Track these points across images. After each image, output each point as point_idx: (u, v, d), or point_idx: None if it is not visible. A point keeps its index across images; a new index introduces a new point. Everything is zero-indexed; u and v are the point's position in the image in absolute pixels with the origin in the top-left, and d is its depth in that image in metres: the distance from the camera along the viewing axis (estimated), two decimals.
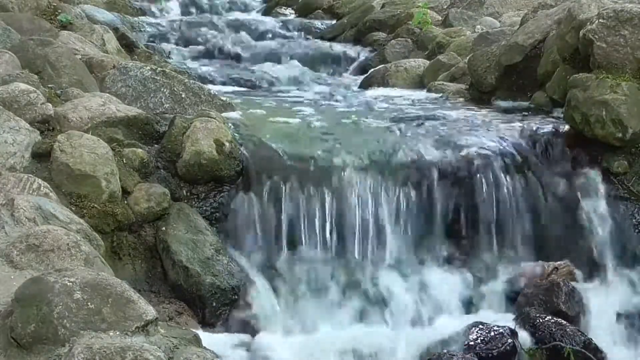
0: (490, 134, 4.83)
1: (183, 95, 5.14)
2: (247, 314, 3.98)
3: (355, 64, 8.43)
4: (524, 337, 3.90)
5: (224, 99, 5.30)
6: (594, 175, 4.66)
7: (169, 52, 8.23)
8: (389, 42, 8.32)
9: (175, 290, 4.00)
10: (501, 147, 4.68)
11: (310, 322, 4.07)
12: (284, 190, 4.32)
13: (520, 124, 4.96)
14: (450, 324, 4.07)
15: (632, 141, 4.62)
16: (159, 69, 5.36)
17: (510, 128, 4.90)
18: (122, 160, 4.19)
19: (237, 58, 8.45)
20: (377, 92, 6.53)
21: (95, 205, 3.96)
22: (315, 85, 7.50)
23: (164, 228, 4.09)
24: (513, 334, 3.86)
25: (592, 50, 4.79)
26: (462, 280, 4.38)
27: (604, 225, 4.55)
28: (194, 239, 4.07)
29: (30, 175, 3.81)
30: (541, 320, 3.97)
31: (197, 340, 2.99)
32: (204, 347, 2.98)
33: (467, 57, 6.28)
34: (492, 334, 3.82)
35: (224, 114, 4.86)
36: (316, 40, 9.30)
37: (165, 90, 5.13)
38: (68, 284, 2.69)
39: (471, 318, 4.10)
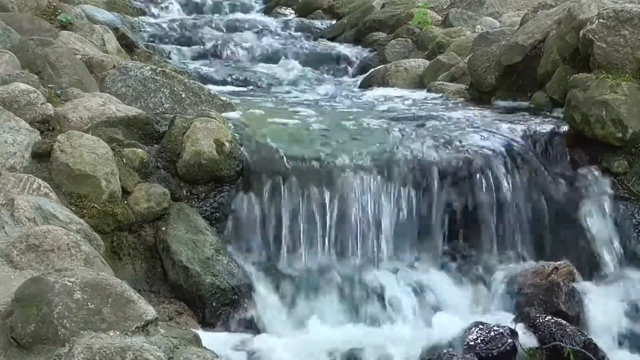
0: (490, 134, 4.83)
1: (183, 95, 5.14)
2: (247, 314, 3.98)
3: (355, 64, 8.43)
4: (524, 337, 3.90)
5: (224, 99, 5.30)
6: (594, 175, 4.66)
7: (169, 52, 8.23)
8: (389, 42, 8.32)
9: (175, 290, 4.00)
10: (501, 147, 4.68)
11: (310, 322, 4.06)
12: (284, 190, 4.32)
13: (520, 124, 4.96)
14: (450, 324, 4.06)
15: (632, 141, 4.62)
16: (159, 69, 5.36)
17: (510, 128, 4.90)
18: (122, 160, 4.19)
19: (237, 58, 8.45)
20: (377, 92, 6.53)
21: (95, 205, 3.96)
22: (315, 85, 7.50)
23: (164, 228, 4.09)
24: (513, 334, 3.86)
25: (592, 50, 4.79)
26: (462, 280, 4.38)
27: (604, 225, 4.55)
28: (194, 239, 4.07)
29: (30, 175, 3.81)
30: (541, 320, 3.97)
31: (197, 340, 2.99)
32: (204, 347, 2.98)
33: (467, 57, 6.28)
34: (492, 334, 3.82)
35: (224, 114, 4.86)
36: (316, 40, 9.30)
37: (165, 90, 5.13)
38: (68, 284, 2.69)
39: (471, 318, 4.10)
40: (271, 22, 9.95)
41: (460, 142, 4.69)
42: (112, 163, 4.06)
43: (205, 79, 7.22)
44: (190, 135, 4.35)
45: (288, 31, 9.57)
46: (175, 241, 4.04)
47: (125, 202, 4.10)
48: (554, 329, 3.90)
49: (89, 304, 2.65)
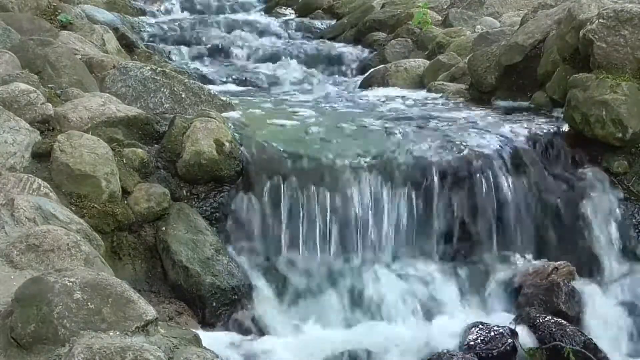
0: (490, 134, 4.83)
1: (183, 95, 5.14)
2: (247, 314, 3.98)
3: (355, 64, 8.42)
4: (524, 337, 3.90)
5: (224, 99, 5.29)
6: (594, 175, 4.66)
7: (169, 52, 8.23)
8: (389, 42, 8.32)
9: (175, 290, 4.00)
10: (501, 147, 4.68)
11: (310, 322, 4.07)
12: (283, 190, 4.32)
13: (520, 124, 4.96)
14: (450, 324, 4.07)
15: (632, 141, 4.63)
16: (159, 69, 5.36)
17: (510, 128, 4.90)
18: (122, 160, 4.19)
19: (237, 58, 8.45)
20: (377, 92, 6.53)
21: (95, 205, 3.96)
22: (315, 85, 7.50)
23: (164, 228, 4.09)
24: (513, 334, 3.86)
25: (592, 50, 4.79)
26: (462, 280, 4.38)
27: (604, 225, 4.55)
28: (194, 239, 4.07)
29: (30, 175, 3.81)
30: (541, 320, 3.97)
31: (197, 340, 2.99)
32: (204, 347, 2.98)
33: (467, 57, 6.28)
34: (492, 334, 3.82)
35: (224, 114, 4.86)
36: (316, 40, 9.30)
37: (165, 90, 5.13)
38: (68, 284, 2.69)
39: (471, 318, 4.10)
40: (271, 22, 9.94)
41: (460, 142, 4.69)
42: (112, 163, 4.06)
43: (205, 79, 7.22)
44: (190, 135, 4.35)
45: (288, 31, 9.56)
46: (175, 241, 4.04)
47: (125, 202, 4.10)
48: (554, 329, 3.90)
49: (89, 304, 2.65)
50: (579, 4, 5.13)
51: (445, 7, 9.19)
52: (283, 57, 8.41)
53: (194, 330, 3.33)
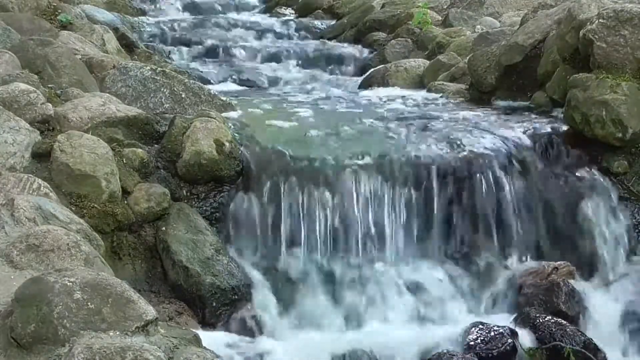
0: (490, 134, 4.83)
1: (183, 95, 5.14)
2: (247, 314, 3.98)
3: (355, 64, 8.42)
4: (524, 337, 3.90)
5: (224, 99, 5.29)
6: (594, 175, 4.66)
7: (169, 52, 8.23)
8: (389, 42, 8.32)
9: (175, 290, 4.00)
10: (501, 147, 4.68)
11: (310, 322, 4.07)
12: (283, 190, 4.32)
13: (520, 124, 4.96)
14: (450, 324, 4.07)
15: (632, 141, 4.63)
16: (159, 69, 5.36)
17: (510, 128, 4.90)
18: (122, 160, 4.19)
19: (237, 58, 8.45)
20: (377, 92, 6.53)
21: (95, 205, 3.96)
22: (315, 85, 7.50)
23: (164, 228, 4.09)
24: (513, 334, 3.86)
25: (592, 50, 4.79)
26: (462, 280, 4.38)
27: (604, 225, 4.55)
28: (194, 239, 4.07)
29: (30, 175, 3.81)
30: (541, 320, 3.97)
31: (197, 340, 2.99)
32: (204, 347, 2.98)
33: (467, 57, 6.28)
34: (492, 334, 3.82)
35: (224, 114, 4.86)
36: (316, 40, 9.30)
37: (165, 90, 5.13)
38: (68, 284, 2.69)
39: (471, 318, 4.10)
40: (271, 22, 9.94)
41: (460, 142, 4.69)
42: (112, 163, 4.06)
43: (205, 79, 7.22)
44: (190, 135, 4.35)
45: (288, 31, 9.56)
46: (175, 241, 4.04)
47: (125, 202, 4.10)
48: (554, 329, 3.90)
49: (89, 304, 2.65)
50: (579, 4, 5.13)
51: (445, 7, 9.19)
52: (283, 57, 8.41)
53: (194, 330, 3.33)
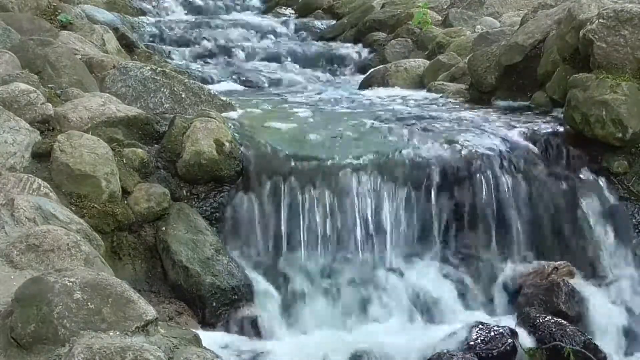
0: (490, 134, 4.83)
1: (183, 95, 5.14)
2: (247, 314, 3.98)
3: (355, 64, 8.43)
4: (524, 337, 3.90)
5: (224, 99, 5.29)
6: (594, 175, 4.66)
7: (169, 52, 8.23)
8: (389, 42, 8.33)
9: (175, 290, 4.00)
10: (501, 147, 4.68)
11: (310, 322, 4.07)
12: (283, 190, 4.32)
13: (520, 124, 4.96)
14: (450, 323, 4.07)
15: (632, 141, 4.63)
16: (159, 69, 5.36)
17: (510, 128, 4.90)
18: (122, 160, 4.19)
19: (237, 58, 8.45)
20: (377, 92, 6.53)
21: (95, 205, 3.96)
22: (315, 85, 7.50)
23: (164, 228, 4.09)
24: (513, 334, 3.86)
25: (592, 50, 4.79)
26: (463, 280, 4.38)
27: (604, 225, 4.55)
28: (194, 239, 4.07)
29: (30, 175, 3.81)
30: (541, 320, 3.97)
31: (197, 340, 2.99)
32: (204, 347, 2.98)
33: (467, 57, 6.28)
34: (492, 334, 3.82)
35: (224, 114, 4.86)
36: (316, 40, 9.30)
37: (165, 90, 5.13)
38: (68, 284, 2.69)
39: (471, 318, 4.10)
40: (271, 22, 9.95)
41: (460, 142, 4.69)
42: (112, 163, 4.06)
43: (205, 79, 7.22)
44: (190, 135, 4.35)
45: (288, 31, 9.57)
46: (175, 241, 4.04)
47: (125, 202, 4.10)
48: (554, 329, 3.91)
49: (89, 304, 2.65)
50: (579, 4, 5.13)
51: (445, 7, 9.19)
52: (283, 57, 8.42)
53: (194, 330, 3.33)
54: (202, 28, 9.12)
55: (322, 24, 9.94)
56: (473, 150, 4.63)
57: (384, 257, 4.38)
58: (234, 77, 7.66)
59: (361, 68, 8.19)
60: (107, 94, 4.80)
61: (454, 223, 4.51)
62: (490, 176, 4.55)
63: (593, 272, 4.47)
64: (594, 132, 4.64)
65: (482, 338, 3.80)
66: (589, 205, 4.58)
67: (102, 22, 7.34)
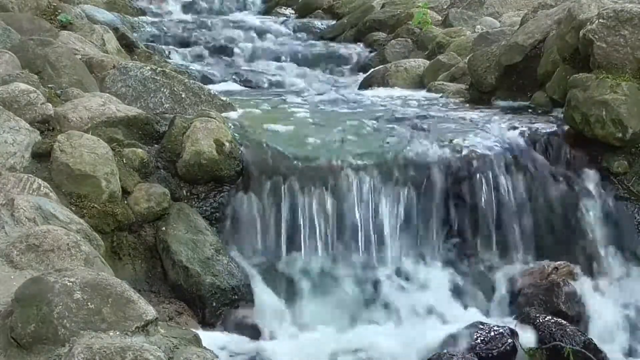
0: (490, 134, 4.83)
1: (183, 95, 5.14)
2: (247, 314, 3.97)
3: (355, 64, 8.43)
4: (524, 337, 3.90)
5: (224, 99, 5.29)
6: (594, 175, 4.66)
7: (169, 52, 8.23)
8: (389, 42, 8.32)
9: (175, 290, 4.00)
10: (501, 147, 4.68)
11: (310, 322, 4.07)
12: (284, 190, 4.32)
13: (520, 124, 4.96)
14: (450, 323, 4.06)
15: (632, 141, 4.62)
16: (159, 69, 5.36)
17: (510, 128, 4.90)
18: (122, 160, 4.19)
19: (237, 58, 8.45)
20: (377, 92, 6.53)
21: (95, 205, 3.96)
22: (315, 85, 7.50)
23: (164, 228, 4.09)
24: (513, 334, 3.86)
25: (592, 50, 4.79)
26: (462, 280, 4.38)
27: (604, 225, 4.55)
28: (194, 239, 4.07)
29: (30, 175, 3.81)
30: (541, 320, 3.97)
31: (197, 340, 2.99)
32: (204, 347, 2.98)
33: (467, 57, 6.28)
34: (492, 334, 3.82)
35: (224, 114, 4.86)
36: (316, 40, 9.30)
37: (165, 90, 5.13)
38: (68, 284, 2.69)
39: (471, 318, 4.10)
40: (271, 22, 9.95)
41: (461, 142, 4.69)
42: (112, 163, 4.06)
43: (205, 79, 7.22)
44: (190, 135, 4.35)
45: (288, 31, 9.57)
46: (175, 241, 4.04)
47: (125, 202, 4.10)
48: (554, 329, 3.90)
49: (89, 304, 2.65)
50: (579, 4, 5.13)
51: (445, 7, 9.19)
52: (283, 57, 8.42)
53: (194, 330, 3.33)
54: (202, 28, 9.12)
55: (322, 24, 9.93)
56: (473, 150, 4.63)
57: (384, 257, 4.38)
58: (234, 77, 7.66)
59: (361, 68, 8.18)
60: (107, 94, 4.80)
61: (454, 223, 4.51)
62: (490, 176, 4.55)
63: (593, 272, 4.47)
64: (594, 132, 4.64)
65: (482, 338, 3.80)
66: (589, 205, 4.58)
67: (102, 22, 7.34)
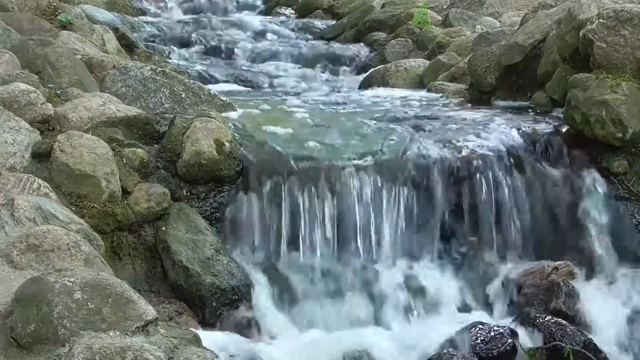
0: (490, 134, 4.83)
1: (183, 95, 5.14)
2: (247, 314, 3.98)
3: (355, 64, 8.43)
4: (524, 337, 3.90)
5: (224, 99, 5.29)
6: (594, 175, 4.66)
7: (169, 52, 8.23)
8: (389, 42, 8.32)
9: (175, 290, 4.00)
10: (501, 147, 4.69)
11: (310, 322, 4.07)
12: (284, 190, 4.32)
13: (520, 124, 4.96)
14: (450, 324, 4.06)
15: (632, 141, 4.62)
16: (159, 69, 5.36)
17: (510, 128, 4.90)
18: (122, 160, 4.19)
19: (237, 58, 8.45)
20: (377, 92, 6.53)
21: (95, 205, 3.96)
22: (315, 85, 7.50)
23: (164, 228, 4.09)
24: (513, 334, 3.86)
25: (592, 50, 4.79)
26: (463, 280, 4.38)
27: (604, 225, 4.55)
28: (194, 239, 4.07)
29: (30, 175, 3.81)
30: (541, 320, 3.97)
31: (197, 340, 2.99)
32: (204, 347, 2.98)
33: (467, 57, 6.28)
34: (492, 334, 3.82)
35: (224, 114, 4.86)
36: (316, 40, 9.30)
37: (165, 90, 5.13)
38: (68, 284, 2.69)
39: (471, 318, 4.10)
40: (271, 22, 9.95)
41: (460, 142, 4.69)
42: (112, 163, 4.06)
43: (205, 79, 7.22)
44: (190, 135, 4.35)
45: (288, 31, 9.57)
46: (175, 241, 4.04)
47: (125, 202, 4.10)
48: (554, 329, 3.90)
49: (89, 304, 2.65)
50: (579, 4, 5.13)
51: (445, 7, 9.19)
52: (283, 57, 8.42)
53: (194, 330, 3.33)
54: (202, 28, 9.12)
55: (322, 24, 9.93)
56: (473, 150, 4.63)
57: (384, 258, 4.38)
58: (234, 77, 7.66)
59: (361, 68, 8.19)
60: (107, 94, 4.80)
61: (454, 223, 4.51)
62: (490, 176, 4.55)
63: (593, 272, 4.47)
64: (594, 132, 4.64)
65: (482, 338, 3.80)
66: (589, 205, 4.58)
67: (102, 22, 7.34)
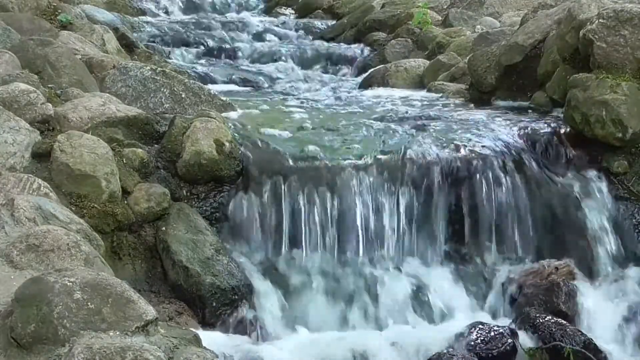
0: (490, 134, 4.83)
1: (183, 95, 5.14)
2: (247, 314, 3.98)
3: (355, 64, 8.43)
4: (524, 337, 3.90)
5: (224, 99, 5.29)
6: (594, 175, 4.67)
7: (169, 52, 8.23)
8: (389, 42, 8.32)
9: (175, 290, 4.00)
10: (501, 147, 4.68)
11: (310, 322, 4.07)
12: (284, 190, 4.32)
13: (520, 124, 4.96)
14: (450, 324, 4.07)
15: (632, 141, 4.63)
16: (159, 69, 5.36)
17: (510, 128, 4.91)
18: (122, 160, 4.19)
19: (237, 58, 8.45)
20: (377, 92, 6.53)
21: (95, 205, 3.96)
22: (315, 85, 7.50)
23: (164, 228, 4.09)
24: (513, 334, 3.86)
25: (592, 50, 4.79)
26: (462, 280, 4.38)
27: (604, 225, 4.55)
28: (194, 239, 4.07)
29: (30, 175, 3.80)
30: (541, 320, 3.96)
31: (197, 340, 2.99)
32: (204, 347, 2.98)
33: (467, 57, 6.29)
34: (492, 334, 3.82)
35: (224, 114, 4.86)
36: (316, 40, 9.30)
37: (165, 90, 5.13)
38: (68, 284, 2.69)
39: (471, 318, 4.10)
40: (271, 22, 9.95)
41: (460, 142, 4.69)
42: (112, 163, 4.06)
43: (205, 79, 7.22)
44: (190, 135, 4.35)
45: (288, 31, 9.57)
46: (175, 241, 4.04)
47: (125, 202, 4.10)
48: (554, 329, 3.90)
49: (89, 304, 2.65)
50: (579, 4, 5.14)
51: (445, 7, 9.19)
52: (283, 57, 8.42)
53: (194, 330, 3.32)
54: (202, 28, 9.12)
55: (322, 24, 9.94)
56: (473, 150, 4.63)
57: (385, 258, 4.38)
58: (234, 77, 7.65)
59: (361, 68, 8.19)
60: (107, 94, 4.80)
61: (454, 223, 4.51)
62: (490, 176, 4.55)
63: (593, 272, 4.46)
64: (594, 132, 4.65)
65: (482, 338, 3.79)
66: (589, 205, 4.58)
67: (102, 22, 7.34)
